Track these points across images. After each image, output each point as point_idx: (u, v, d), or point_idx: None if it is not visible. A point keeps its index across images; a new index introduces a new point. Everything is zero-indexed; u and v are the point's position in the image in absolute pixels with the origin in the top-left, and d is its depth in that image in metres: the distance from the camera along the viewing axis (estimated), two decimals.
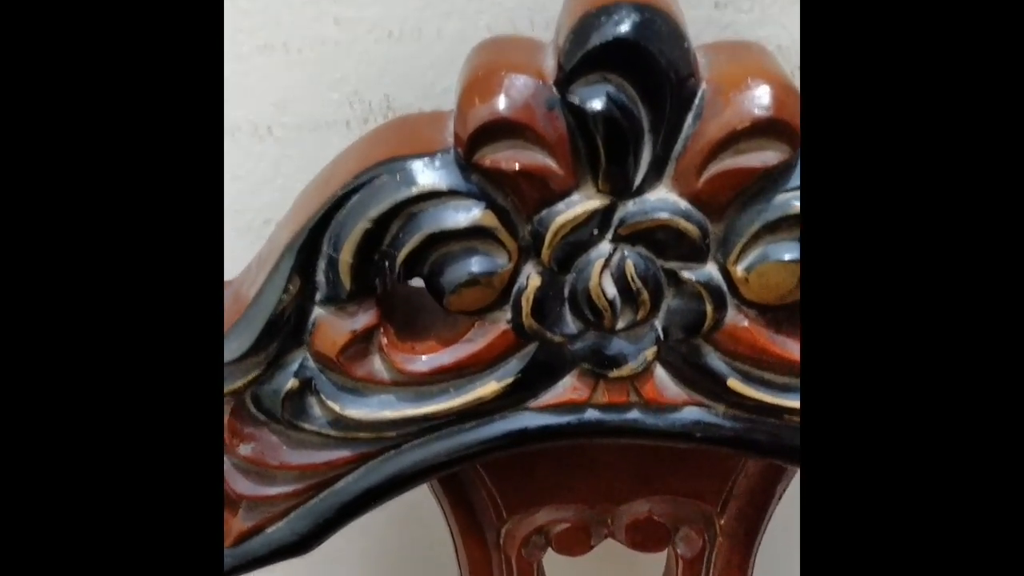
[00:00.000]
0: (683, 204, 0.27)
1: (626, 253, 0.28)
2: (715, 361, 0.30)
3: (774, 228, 0.28)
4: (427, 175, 0.28)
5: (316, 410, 0.31)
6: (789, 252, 0.28)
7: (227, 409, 0.32)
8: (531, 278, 0.29)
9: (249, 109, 0.35)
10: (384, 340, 0.31)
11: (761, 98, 0.26)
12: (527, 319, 0.30)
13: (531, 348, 0.30)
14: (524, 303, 0.29)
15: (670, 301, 0.29)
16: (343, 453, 0.32)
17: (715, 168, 0.27)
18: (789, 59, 0.33)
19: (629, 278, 0.29)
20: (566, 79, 0.26)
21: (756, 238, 0.28)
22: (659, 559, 0.39)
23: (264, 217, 0.37)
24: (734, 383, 0.30)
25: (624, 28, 0.25)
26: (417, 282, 0.30)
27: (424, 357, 0.31)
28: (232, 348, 0.30)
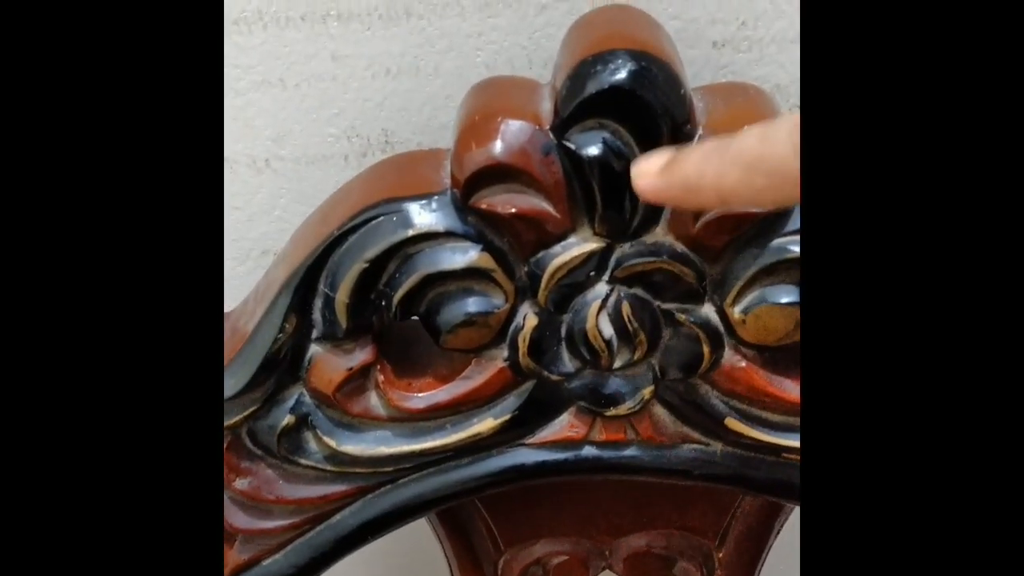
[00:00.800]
0: (679, 247, 0.27)
1: (623, 294, 0.28)
2: (713, 400, 0.30)
3: (771, 271, 0.28)
4: (424, 216, 0.28)
5: (312, 445, 0.31)
6: (786, 295, 0.28)
7: (224, 444, 0.32)
8: (528, 318, 0.29)
9: (247, 143, 0.35)
10: (381, 377, 0.31)
11: None
12: (524, 358, 0.30)
13: (528, 385, 0.31)
14: (521, 342, 0.29)
15: (667, 341, 0.29)
16: (339, 487, 0.32)
17: (711, 213, 0.27)
18: (787, 98, 0.33)
19: (626, 319, 0.29)
20: (562, 125, 0.26)
21: (753, 281, 0.28)
22: None
23: (262, 247, 0.37)
24: (732, 422, 0.30)
25: (620, 76, 0.25)
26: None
27: (421, 394, 0.31)
28: (229, 384, 0.30)
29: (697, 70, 0.32)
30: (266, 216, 0.37)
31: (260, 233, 0.37)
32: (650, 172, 0.24)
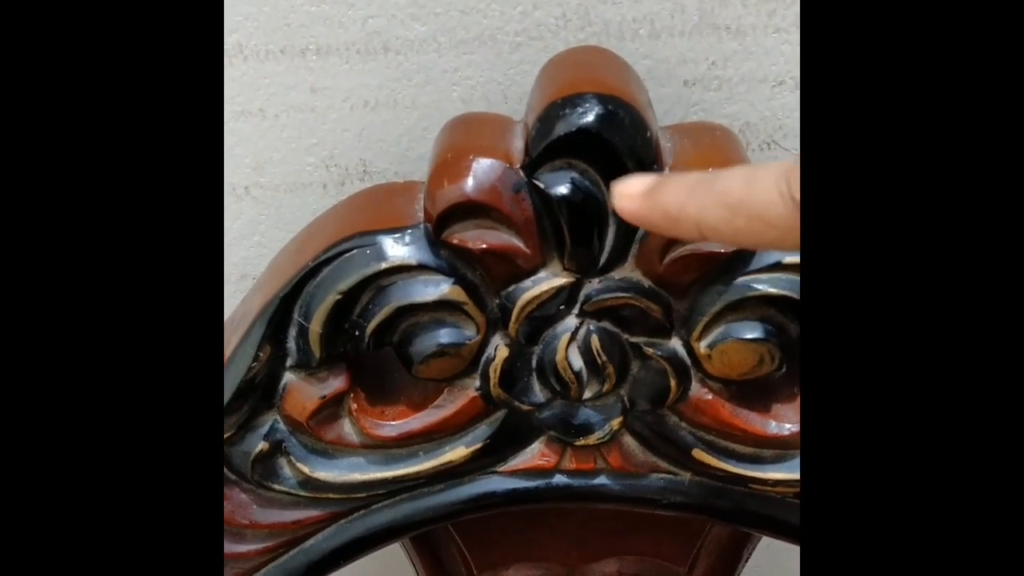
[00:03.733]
0: (647, 283, 0.28)
1: (592, 328, 0.29)
2: (680, 431, 0.31)
3: (735, 308, 0.28)
4: (397, 249, 0.28)
5: (286, 471, 0.32)
6: (751, 331, 0.28)
7: None
8: (499, 349, 0.30)
9: (228, 170, 0.35)
10: (354, 405, 0.31)
11: None
12: (495, 388, 0.30)
13: (500, 414, 0.31)
14: (492, 373, 0.30)
15: (636, 373, 0.30)
16: (313, 513, 0.33)
17: (677, 252, 0.27)
18: (757, 135, 0.34)
19: (595, 352, 0.29)
20: (532, 164, 0.26)
21: (718, 317, 0.28)
22: None
23: (241, 272, 0.38)
24: (699, 453, 0.31)
25: (587, 119, 0.25)
26: None
27: (394, 422, 0.31)
28: None
29: (668, 107, 0.33)
30: (245, 242, 0.37)
31: (240, 258, 0.37)
32: (632, 194, 0.25)
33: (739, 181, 0.22)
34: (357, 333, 0.29)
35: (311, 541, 0.33)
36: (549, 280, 0.28)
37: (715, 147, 0.28)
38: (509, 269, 0.28)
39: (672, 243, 0.27)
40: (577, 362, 0.29)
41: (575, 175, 0.26)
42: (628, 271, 0.28)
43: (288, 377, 0.30)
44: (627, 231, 0.27)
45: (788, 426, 0.30)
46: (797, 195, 0.21)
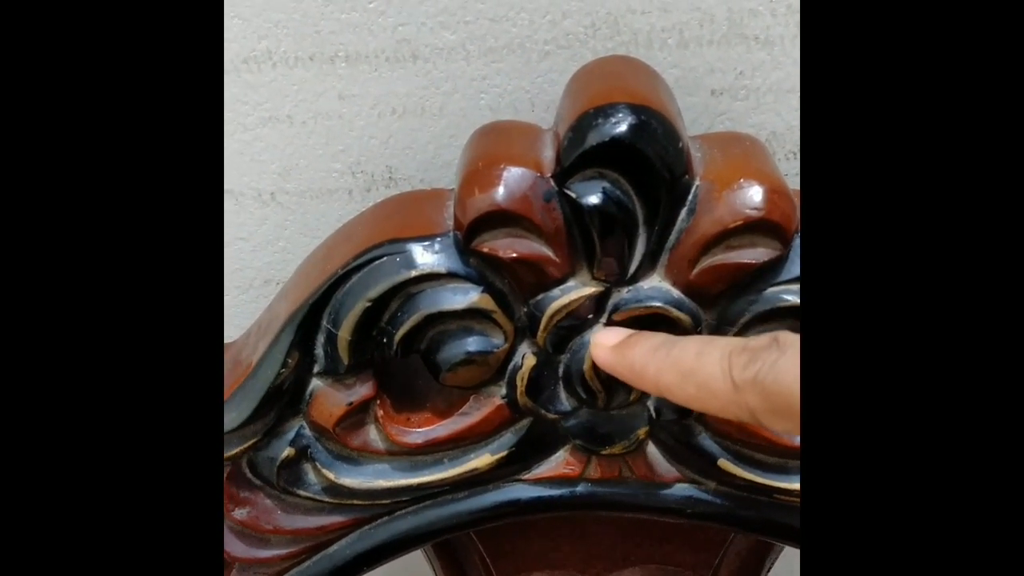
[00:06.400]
0: (675, 293, 0.28)
1: None
2: (706, 441, 0.31)
3: (765, 319, 0.28)
4: (426, 257, 0.28)
5: (311, 477, 0.32)
6: None
7: (224, 474, 0.32)
8: (526, 358, 0.30)
9: (253, 176, 0.35)
10: (380, 412, 0.31)
11: (753, 198, 0.26)
12: (521, 397, 0.30)
13: (525, 422, 0.31)
14: (519, 381, 0.30)
15: None
16: (337, 519, 0.33)
17: (707, 261, 0.27)
18: (783, 145, 0.34)
19: None
20: (564, 173, 0.26)
21: (747, 328, 0.28)
22: None
23: (264, 277, 0.38)
24: (724, 463, 0.31)
25: (620, 129, 0.25)
26: None
27: (419, 429, 0.31)
28: (231, 417, 0.31)
29: (695, 116, 0.33)
30: (270, 247, 0.37)
31: (264, 263, 0.37)
32: (605, 345, 0.28)
33: (691, 352, 0.25)
34: (385, 340, 0.29)
35: (335, 547, 0.33)
36: (578, 289, 0.28)
37: (745, 157, 0.28)
38: (538, 278, 0.28)
39: (703, 253, 0.27)
40: (604, 371, 0.29)
41: (607, 185, 0.26)
42: (657, 280, 0.28)
43: (315, 383, 0.30)
44: (658, 240, 0.27)
45: None
46: (736, 375, 0.24)
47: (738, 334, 0.28)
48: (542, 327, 0.29)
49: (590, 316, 0.29)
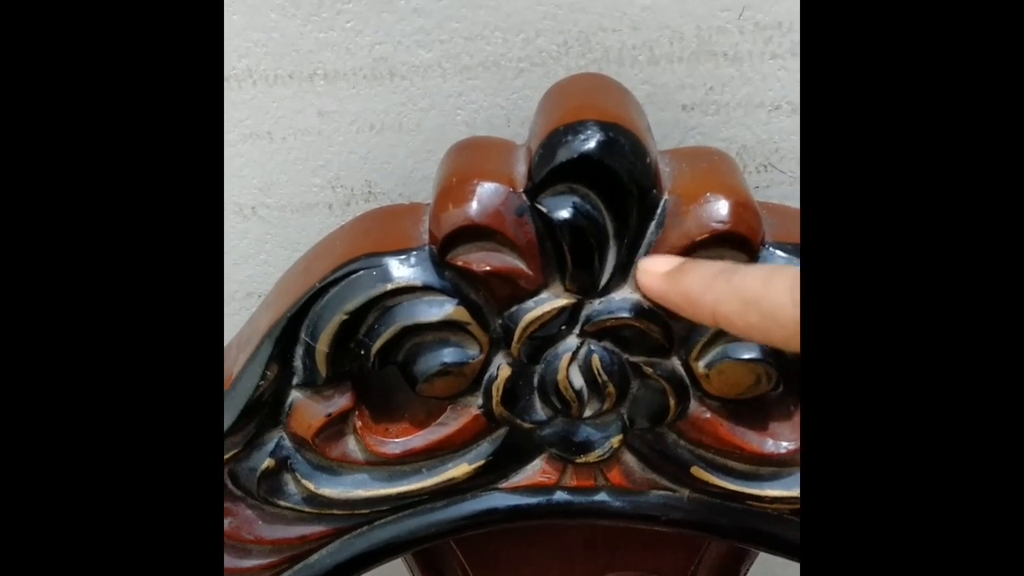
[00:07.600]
0: (646, 304, 0.28)
1: (592, 348, 0.29)
2: (679, 449, 0.31)
3: None
4: (402, 271, 0.29)
5: (291, 487, 0.32)
6: (747, 352, 0.29)
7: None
8: (501, 368, 0.30)
9: (235, 191, 0.36)
10: (358, 422, 0.32)
11: (720, 211, 0.27)
12: (497, 407, 0.31)
13: (502, 432, 0.31)
14: (495, 391, 0.30)
15: (635, 392, 0.30)
16: (317, 528, 0.33)
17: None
18: (754, 158, 0.34)
19: (595, 371, 0.30)
20: (535, 188, 0.27)
21: (716, 338, 0.29)
22: None
23: (246, 290, 0.38)
24: (697, 470, 0.31)
25: (589, 146, 0.26)
26: None
27: (397, 439, 0.32)
28: None
29: (667, 131, 0.34)
30: (251, 260, 0.38)
31: (245, 276, 0.38)
32: (656, 273, 0.26)
33: (756, 280, 0.24)
34: (363, 352, 0.30)
35: (315, 556, 0.34)
36: (551, 301, 0.29)
37: (712, 171, 0.28)
38: (512, 290, 0.29)
39: None
40: (578, 381, 0.30)
41: (577, 199, 0.27)
42: (628, 292, 0.29)
43: (294, 395, 0.31)
44: (628, 253, 0.28)
45: (785, 444, 0.31)
46: None
47: (707, 344, 0.29)
48: (516, 338, 0.29)
49: (563, 327, 0.29)
